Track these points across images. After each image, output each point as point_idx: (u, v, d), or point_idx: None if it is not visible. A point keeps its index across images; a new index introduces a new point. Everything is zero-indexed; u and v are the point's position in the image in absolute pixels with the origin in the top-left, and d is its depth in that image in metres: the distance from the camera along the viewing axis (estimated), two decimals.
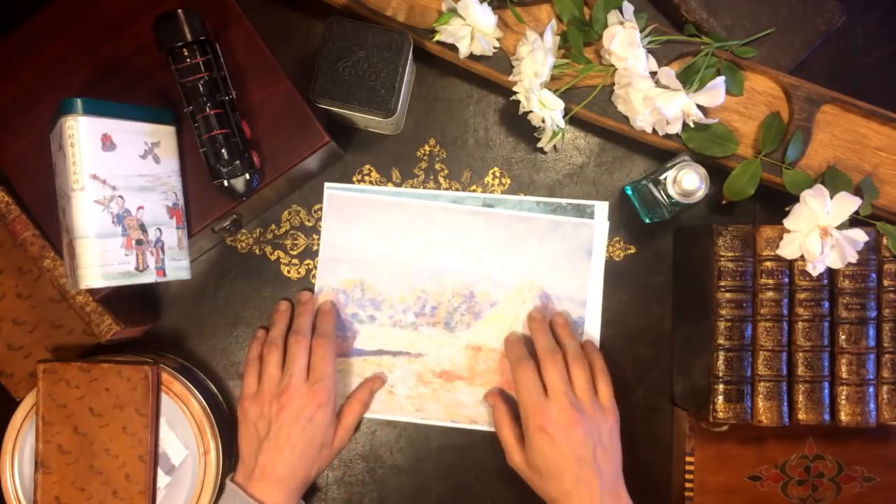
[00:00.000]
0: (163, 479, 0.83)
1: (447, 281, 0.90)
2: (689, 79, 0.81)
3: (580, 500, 0.77)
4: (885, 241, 0.79)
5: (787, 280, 0.79)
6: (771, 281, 0.79)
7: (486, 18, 0.79)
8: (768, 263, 0.79)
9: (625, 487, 0.80)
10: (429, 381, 0.90)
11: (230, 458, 0.87)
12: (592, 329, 0.89)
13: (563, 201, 0.90)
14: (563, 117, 0.82)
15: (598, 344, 0.89)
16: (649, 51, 0.80)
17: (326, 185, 0.91)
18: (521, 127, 0.88)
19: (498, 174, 0.91)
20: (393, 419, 0.90)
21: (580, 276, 0.90)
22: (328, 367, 0.84)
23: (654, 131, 0.83)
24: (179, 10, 0.74)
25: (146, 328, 0.90)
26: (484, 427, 0.90)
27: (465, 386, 0.90)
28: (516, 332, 0.89)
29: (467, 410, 0.90)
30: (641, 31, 0.80)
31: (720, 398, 0.79)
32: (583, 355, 0.84)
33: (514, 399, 0.86)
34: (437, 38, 0.81)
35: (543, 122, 0.82)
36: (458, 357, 0.90)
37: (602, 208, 0.90)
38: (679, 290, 0.89)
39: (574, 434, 0.78)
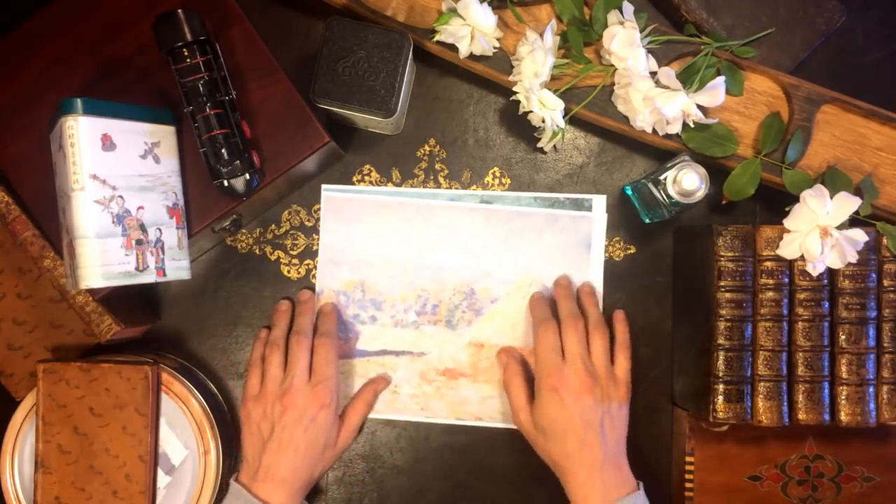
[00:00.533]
0: (163, 479, 0.83)
1: (447, 279, 0.90)
2: (689, 79, 0.81)
3: (581, 463, 0.78)
4: (885, 241, 0.79)
5: (787, 280, 0.79)
6: (771, 281, 0.79)
7: (486, 18, 0.79)
8: (768, 263, 0.79)
9: (626, 460, 0.81)
10: (432, 379, 0.90)
11: (230, 458, 0.87)
12: None
13: (561, 196, 0.90)
14: (563, 117, 0.82)
15: None
16: (649, 51, 0.80)
17: (324, 186, 0.91)
18: (521, 127, 0.88)
19: (498, 174, 0.91)
20: (398, 419, 0.90)
21: (580, 270, 0.90)
22: (331, 368, 0.84)
23: (654, 131, 0.83)
24: (179, 10, 0.74)
25: (146, 328, 0.90)
26: (489, 423, 0.90)
27: (468, 383, 0.90)
28: (542, 292, 0.89)
29: (472, 407, 0.90)
30: (641, 31, 0.80)
31: (720, 398, 0.79)
32: (604, 325, 0.85)
33: (525, 362, 0.88)
34: (437, 38, 0.81)
35: (543, 122, 0.82)
36: (460, 354, 0.90)
37: (600, 201, 0.90)
38: (679, 290, 0.89)
39: (585, 399, 0.79)
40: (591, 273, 0.90)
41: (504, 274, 0.90)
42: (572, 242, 0.90)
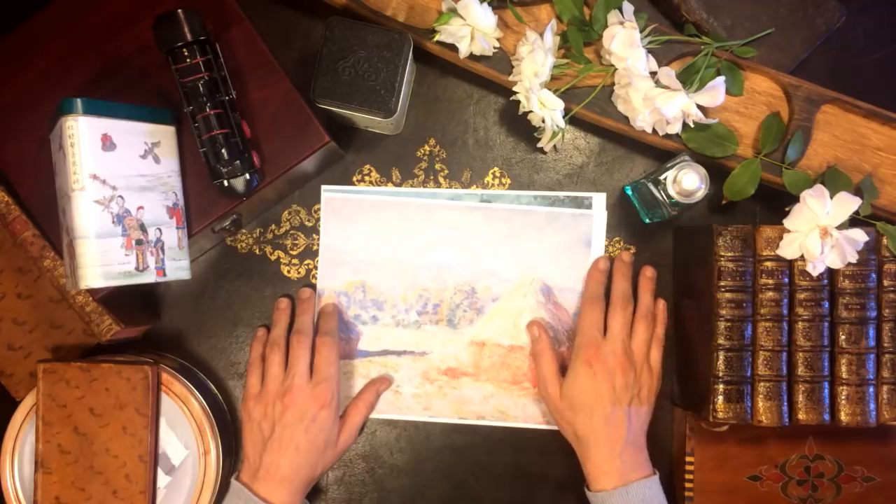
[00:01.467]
0: (163, 479, 0.83)
1: (448, 278, 0.90)
2: (689, 79, 0.81)
3: (606, 439, 0.80)
4: (885, 241, 0.79)
5: (787, 280, 0.79)
6: (771, 281, 0.79)
7: (486, 18, 0.79)
8: (768, 263, 0.79)
9: (646, 447, 0.82)
10: (434, 378, 0.90)
11: (230, 458, 0.87)
12: None
13: (561, 194, 0.91)
14: (563, 117, 0.82)
15: None
16: (649, 51, 0.80)
17: (323, 187, 0.91)
18: (521, 127, 0.88)
19: (498, 174, 0.91)
20: (401, 418, 0.90)
21: (581, 268, 0.90)
22: (332, 367, 0.84)
23: (654, 131, 0.83)
24: (179, 10, 0.74)
25: (146, 328, 0.90)
26: (492, 422, 0.90)
27: (470, 382, 0.90)
28: (605, 259, 0.89)
29: (474, 406, 0.90)
30: (641, 31, 0.80)
31: (720, 398, 0.79)
32: (651, 316, 0.86)
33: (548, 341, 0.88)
34: (437, 38, 0.81)
35: (543, 122, 0.82)
36: (462, 354, 0.90)
37: (600, 199, 0.90)
38: (679, 290, 0.89)
39: (617, 378, 0.81)
40: None
41: (505, 272, 0.90)
42: (572, 240, 0.90)
